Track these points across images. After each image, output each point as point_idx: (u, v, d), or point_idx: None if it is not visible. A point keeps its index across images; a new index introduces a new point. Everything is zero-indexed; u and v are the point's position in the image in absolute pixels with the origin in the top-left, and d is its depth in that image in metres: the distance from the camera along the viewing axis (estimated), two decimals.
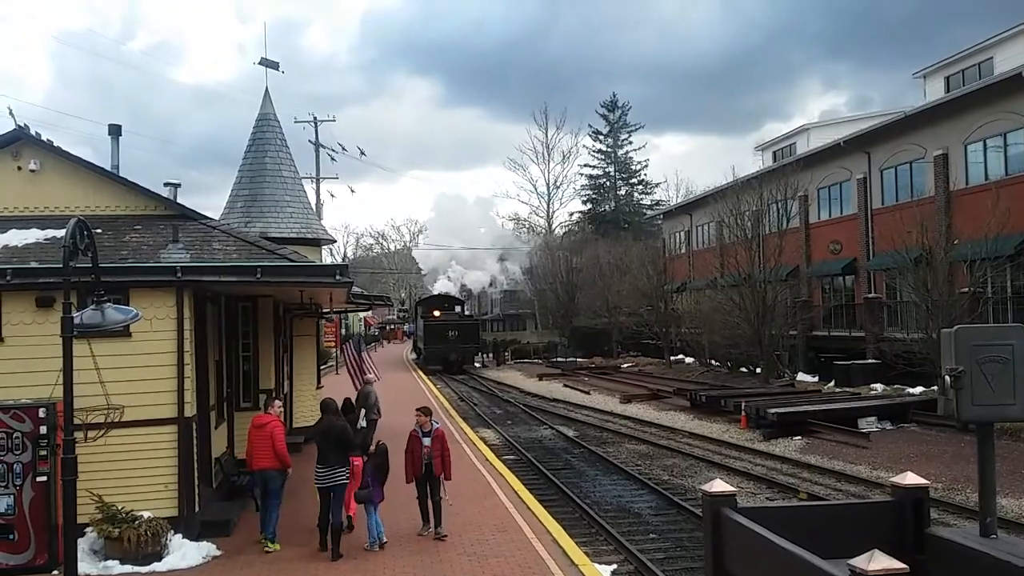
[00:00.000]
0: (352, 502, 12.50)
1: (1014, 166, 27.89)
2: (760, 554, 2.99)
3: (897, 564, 2.35)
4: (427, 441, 12.38)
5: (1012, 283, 27.46)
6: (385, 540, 11.93)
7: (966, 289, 25.91)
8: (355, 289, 21.09)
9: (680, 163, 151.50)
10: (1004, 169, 28.35)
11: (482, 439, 23.26)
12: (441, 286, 72.67)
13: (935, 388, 25.40)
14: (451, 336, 53.56)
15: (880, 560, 2.34)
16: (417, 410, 12.83)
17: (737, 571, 3.25)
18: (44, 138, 14.28)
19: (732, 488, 3.45)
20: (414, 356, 64.78)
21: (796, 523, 3.22)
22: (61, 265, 11.65)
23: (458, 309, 61.87)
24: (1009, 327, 3.18)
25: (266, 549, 11.86)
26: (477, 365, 56.12)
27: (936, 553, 3.23)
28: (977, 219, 26.30)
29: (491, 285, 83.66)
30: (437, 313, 58.32)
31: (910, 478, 3.42)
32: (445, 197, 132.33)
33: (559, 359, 58.26)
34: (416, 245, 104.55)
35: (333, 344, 49.56)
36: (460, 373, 50.94)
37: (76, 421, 8.49)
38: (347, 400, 15.24)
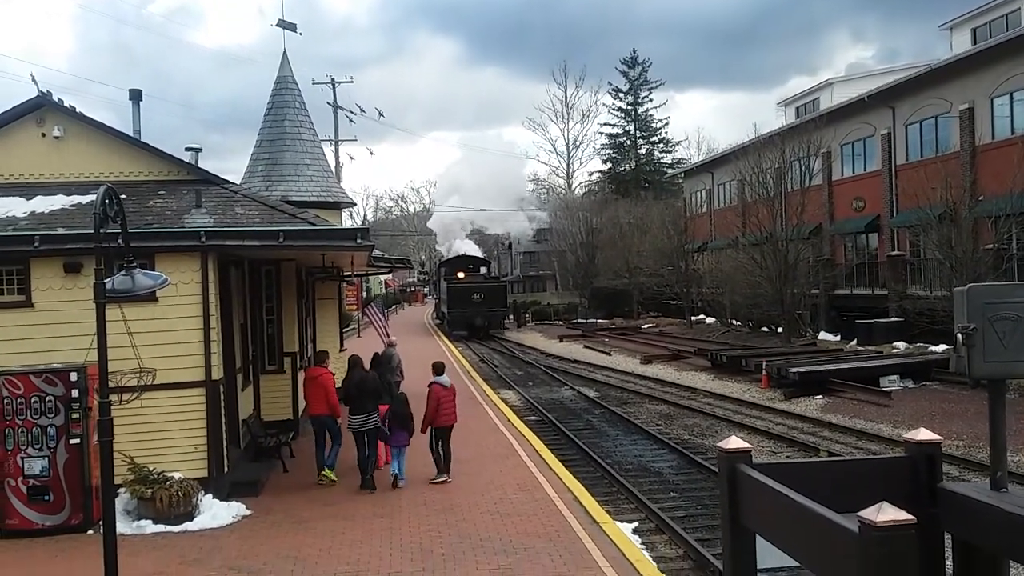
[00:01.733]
0: (384, 449, 14.11)
1: None
2: (775, 509, 3.07)
3: (904, 515, 2.42)
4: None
5: None
6: (404, 483, 13.29)
7: (990, 246, 25.68)
8: (376, 252, 21.20)
9: (703, 120, 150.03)
10: None
11: (503, 400, 23.50)
12: (464, 246, 69.23)
13: None
14: (476, 299, 50.37)
15: (888, 512, 2.41)
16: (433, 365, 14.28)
17: (753, 526, 3.33)
18: (67, 104, 14.42)
19: (747, 445, 3.53)
20: (437, 321, 62.67)
21: (811, 479, 3.30)
22: (88, 231, 11.88)
23: (483, 270, 58.53)
24: (1021, 285, 3.22)
25: (319, 481, 13.61)
26: (505, 330, 53.42)
27: (948, 506, 3.30)
28: (1003, 174, 25.95)
29: (534, 237, 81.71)
30: (461, 275, 54.92)
31: (923, 434, 3.48)
32: (470, 148, 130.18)
33: (579, 320, 58.34)
34: (432, 205, 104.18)
35: (354, 307, 49.99)
36: (487, 339, 48.68)
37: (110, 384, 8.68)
38: (375, 355, 16.74)
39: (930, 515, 3.34)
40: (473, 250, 67.57)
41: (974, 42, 35.66)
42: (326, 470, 13.71)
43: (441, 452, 13.66)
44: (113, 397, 7.44)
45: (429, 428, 13.58)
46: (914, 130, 34.00)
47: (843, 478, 3.43)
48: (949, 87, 31.25)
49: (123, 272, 6.63)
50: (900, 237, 34.36)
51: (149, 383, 9.37)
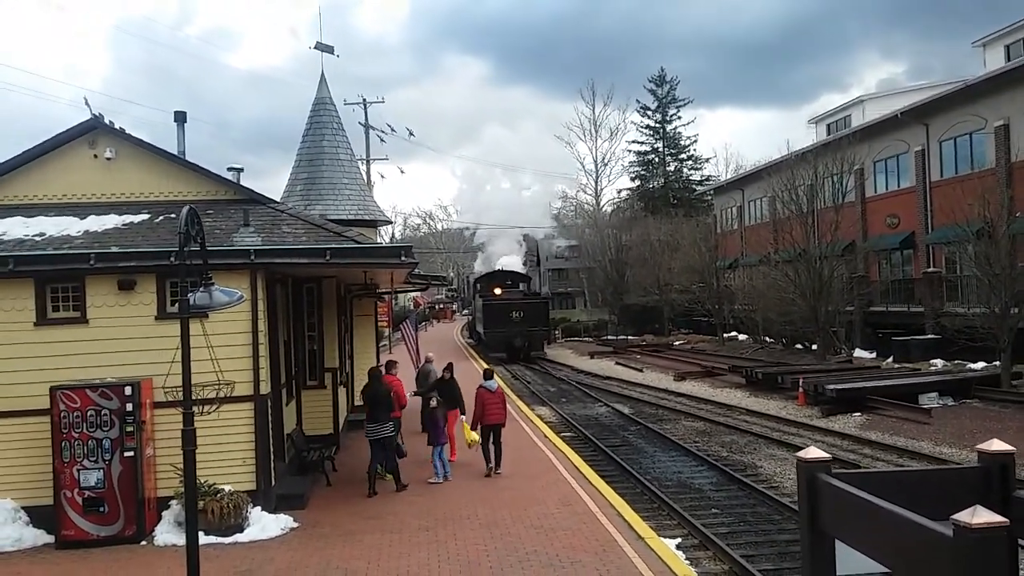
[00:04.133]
0: (453, 445, 16.35)
1: None
2: (859, 515, 3.18)
3: (998, 517, 2.52)
4: None
5: None
6: (450, 478, 15.00)
7: None
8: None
9: (734, 138, 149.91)
10: None
11: (539, 416, 23.57)
12: (503, 260, 64.15)
13: (997, 363, 25.05)
14: (515, 317, 45.55)
15: (983, 514, 2.51)
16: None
17: (833, 531, 3.44)
18: (117, 127, 14.79)
19: (827, 455, 3.64)
20: (470, 340, 59.40)
21: (887, 487, 3.39)
22: (142, 249, 12.23)
23: (522, 287, 53.27)
24: None
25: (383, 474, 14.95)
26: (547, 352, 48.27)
27: (1022, 516, 3.39)
28: None
29: (558, 255, 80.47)
30: (498, 291, 49.99)
31: (996, 444, 3.57)
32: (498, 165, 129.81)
33: (610, 337, 58.17)
34: (449, 219, 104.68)
35: (387, 324, 50.21)
36: (528, 361, 44.47)
37: (168, 398, 8.95)
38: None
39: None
40: (515, 264, 62.97)
41: (1008, 59, 35.43)
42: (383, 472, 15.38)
43: (492, 447, 15.49)
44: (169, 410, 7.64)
45: (479, 426, 15.52)
46: (948, 147, 33.81)
47: (918, 487, 3.52)
48: (983, 104, 31.07)
49: (202, 288, 6.87)
50: (935, 254, 34.09)
51: (229, 395, 9.58)
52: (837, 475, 3.49)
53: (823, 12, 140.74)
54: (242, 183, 16.03)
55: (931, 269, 33.28)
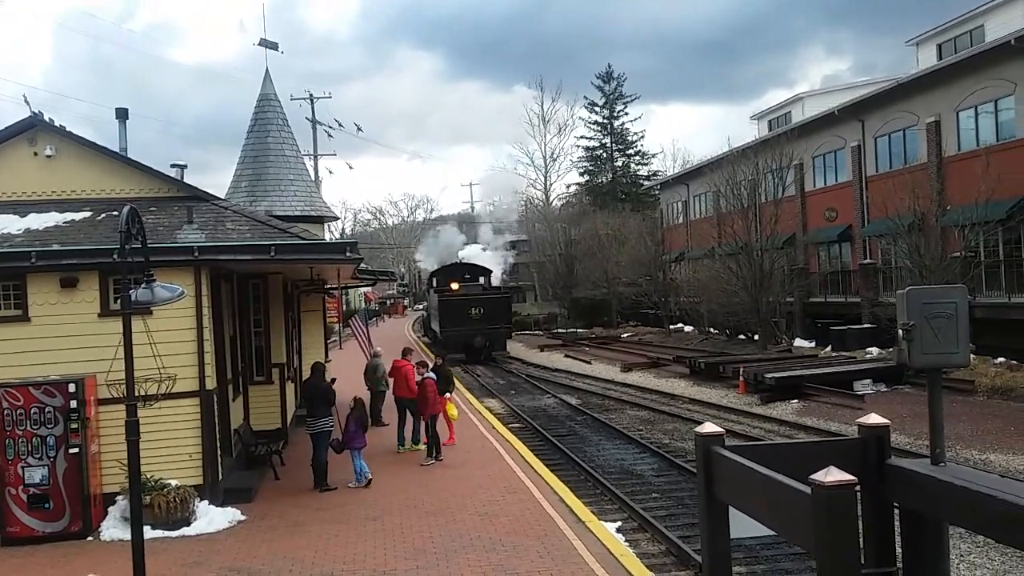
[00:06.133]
0: (451, 433, 17.23)
1: (1005, 132, 28.30)
2: (745, 481, 3.55)
3: (848, 476, 2.90)
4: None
5: (1004, 247, 27.99)
6: (370, 478, 14.21)
7: (958, 253, 26.45)
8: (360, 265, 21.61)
9: (683, 133, 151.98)
10: (995, 135, 28.75)
11: (488, 408, 23.90)
12: (465, 251, 61.09)
13: None
14: (475, 315, 41.47)
15: (835, 474, 2.89)
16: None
17: (725, 498, 3.81)
18: (56, 123, 14.73)
19: (720, 429, 4.01)
20: (425, 339, 55.59)
21: (774, 457, 3.76)
22: (83, 247, 12.26)
23: (483, 280, 48.73)
24: (953, 287, 3.74)
25: (408, 449, 16.81)
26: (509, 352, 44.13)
27: (894, 480, 3.79)
28: (969, 185, 26.77)
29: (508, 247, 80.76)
30: (455, 286, 45.66)
31: (873, 418, 3.98)
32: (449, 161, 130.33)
33: (560, 330, 58.71)
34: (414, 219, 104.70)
35: (336, 320, 49.92)
36: (489, 362, 41.20)
37: (112, 394, 9.09)
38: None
39: (880, 488, 3.83)
40: (478, 255, 59.39)
41: (939, 58, 36.65)
42: (408, 443, 16.90)
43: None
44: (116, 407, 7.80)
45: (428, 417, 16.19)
46: (883, 142, 34.89)
47: (803, 457, 3.91)
48: (916, 101, 32.13)
49: (143, 285, 7.05)
50: (871, 246, 35.18)
51: (170, 389, 9.72)
52: (731, 447, 3.86)
53: (771, 9, 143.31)
54: (188, 178, 16.07)
55: (867, 261, 34.34)
